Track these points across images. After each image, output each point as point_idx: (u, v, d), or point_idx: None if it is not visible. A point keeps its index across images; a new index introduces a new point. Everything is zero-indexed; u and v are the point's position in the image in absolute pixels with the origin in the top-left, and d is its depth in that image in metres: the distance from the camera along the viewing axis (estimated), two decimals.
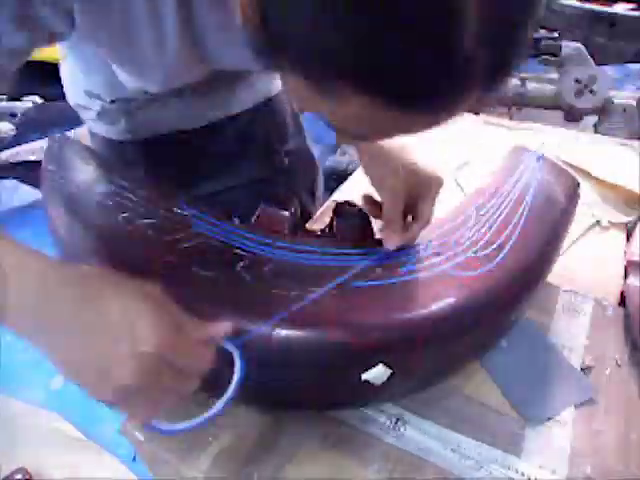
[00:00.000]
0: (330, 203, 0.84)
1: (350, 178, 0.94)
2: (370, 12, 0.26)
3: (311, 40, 0.28)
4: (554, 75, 1.36)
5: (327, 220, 0.64)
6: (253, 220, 0.61)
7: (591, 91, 1.28)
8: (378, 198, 0.58)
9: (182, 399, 0.39)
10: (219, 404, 0.39)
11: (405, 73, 0.27)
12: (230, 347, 0.39)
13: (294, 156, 0.81)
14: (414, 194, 0.56)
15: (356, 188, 0.84)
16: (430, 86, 0.28)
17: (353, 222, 0.60)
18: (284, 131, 0.80)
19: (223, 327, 0.40)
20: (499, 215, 0.63)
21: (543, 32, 1.83)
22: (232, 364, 0.39)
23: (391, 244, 0.54)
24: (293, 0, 0.28)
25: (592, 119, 1.32)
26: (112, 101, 0.66)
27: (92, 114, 0.70)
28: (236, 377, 0.39)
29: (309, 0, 0.27)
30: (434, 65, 0.27)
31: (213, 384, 0.39)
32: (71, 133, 1.09)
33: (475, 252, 0.58)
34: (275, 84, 0.76)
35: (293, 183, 0.82)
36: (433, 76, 0.27)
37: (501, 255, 0.57)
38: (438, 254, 0.57)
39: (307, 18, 0.28)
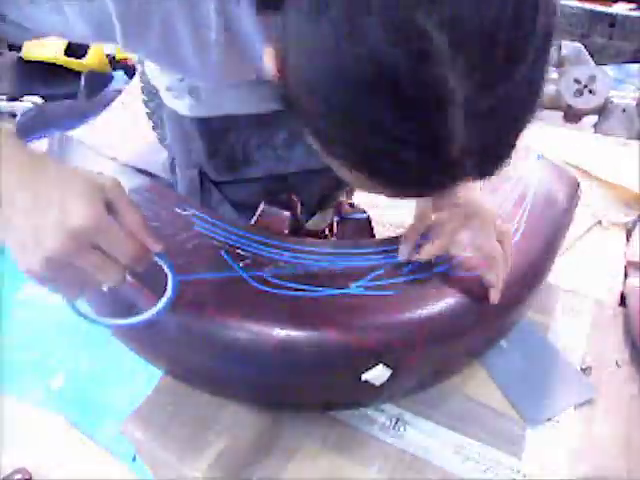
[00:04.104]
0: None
1: None
2: (375, 127, 0.31)
3: (321, 130, 0.34)
4: (554, 75, 1.36)
5: (328, 220, 0.64)
6: (254, 220, 0.61)
7: (591, 91, 1.28)
8: None
9: (105, 283, 0.40)
10: (159, 305, 0.41)
11: (398, 174, 0.33)
12: (159, 259, 0.41)
13: None
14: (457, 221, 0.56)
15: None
16: (419, 184, 0.35)
17: (354, 223, 0.60)
18: None
19: (157, 244, 0.41)
20: (499, 215, 0.63)
21: None
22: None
23: (400, 255, 0.56)
24: (307, 97, 0.33)
25: (592, 119, 1.32)
26: (180, 79, 0.67)
27: (163, 86, 0.72)
28: (170, 279, 0.42)
29: (319, 98, 0.32)
30: (423, 169, 0.33)
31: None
32: (71, 133, 1.09)
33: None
34: None
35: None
36: (422, 177, 0.34)
37: None
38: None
39: (319, 113, 0.33)
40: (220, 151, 0.72)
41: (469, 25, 0.28)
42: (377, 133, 0.31)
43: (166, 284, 0.42)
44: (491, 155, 0.34)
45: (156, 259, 0.41)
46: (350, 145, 0.33)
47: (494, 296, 0.54)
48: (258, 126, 0.71)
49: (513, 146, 0.34)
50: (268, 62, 0.36)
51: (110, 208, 0.38)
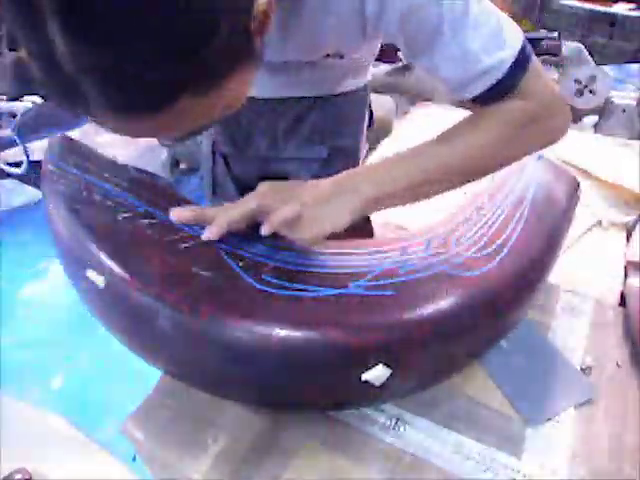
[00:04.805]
0: None
1: None
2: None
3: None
4: (554, 75, 1.36)
5: None
6: None
7: (591, 91, 1.28)
8: None
9: None
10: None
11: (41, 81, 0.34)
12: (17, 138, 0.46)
13: (338, 152, 0.83)
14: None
15: None
16: (56, 94, 0.35)
17: (354, 223, 0.60)
18: (337, 127, 0.82)
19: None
20: (499, 215, 0.63)
21: (543, 32, 1.83)
22: None
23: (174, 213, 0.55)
24: None
25: (592, 119, 1.32)
26: None
27: None
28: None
29: None
30: (45, 77, 0.34)
31: None
32: (71, 133, 1.09)
33: (475, 252, 0.58)
34: (343, 85, 0.79)
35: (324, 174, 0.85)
36: (50, 87, 0.35)
37: (501, 255, 0.57)
38: (438, 254, 0.57)
39: None
40: (230, 127, 0.81)
41: None
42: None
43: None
44: (111, 78, 0.33)
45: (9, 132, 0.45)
46: None
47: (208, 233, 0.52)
48: (265, 113, 0.77)
49: (138, 75, 0.33)
50: None
51: None
